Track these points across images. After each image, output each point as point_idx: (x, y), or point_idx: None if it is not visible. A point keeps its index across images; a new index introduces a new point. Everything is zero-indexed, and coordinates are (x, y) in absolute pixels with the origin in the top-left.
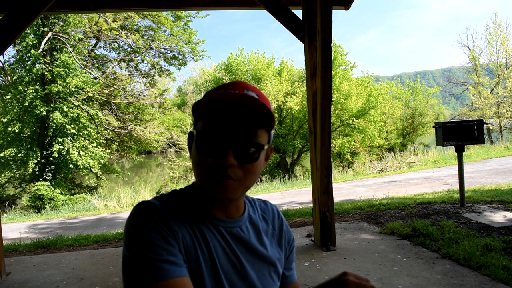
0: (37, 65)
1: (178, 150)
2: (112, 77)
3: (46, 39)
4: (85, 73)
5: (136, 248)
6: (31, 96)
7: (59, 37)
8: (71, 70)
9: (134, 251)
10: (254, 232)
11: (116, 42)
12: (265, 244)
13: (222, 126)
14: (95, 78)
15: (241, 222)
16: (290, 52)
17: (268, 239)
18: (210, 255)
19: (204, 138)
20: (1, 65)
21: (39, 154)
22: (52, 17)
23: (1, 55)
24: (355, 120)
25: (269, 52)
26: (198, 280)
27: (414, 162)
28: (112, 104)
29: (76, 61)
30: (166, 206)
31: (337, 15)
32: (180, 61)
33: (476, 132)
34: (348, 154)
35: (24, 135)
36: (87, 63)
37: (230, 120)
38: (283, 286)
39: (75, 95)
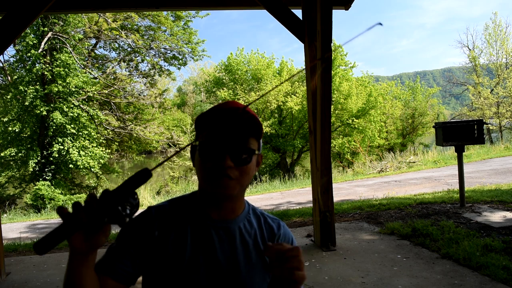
0: (37, 65)
1: (178, 150)
2: (112, 77)
3: (46, 39)
4: (85, 73)
5: (117, 238)
6: (31, 96)
7: (59, 37)
8: (71, 70)
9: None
10: (242, 238)
11: (116, 42)
12: (250, 252)
13: (220, 135)
14: (95, 78)
15: (231, 225)
16: (288, 53)
17: (259, 250)
18: (191, 250)
19: (206, 146)
20: (1, 65)
21: (39, 154)
22: (52, 17)
23: (1, 55)
24: (355, 120)
25: (267, 52)
26: (180, 267)
27: (414, 162)
28: (112, 104)
29: (76, 61)
30: (161, 215)
31: (336, 15)
32: (180, 61)
33: (476, 132)
34: (348, 154)
35: (24, 135)
36: (87, 63)
37: (226, 130)
38: None
39: (75, 95)
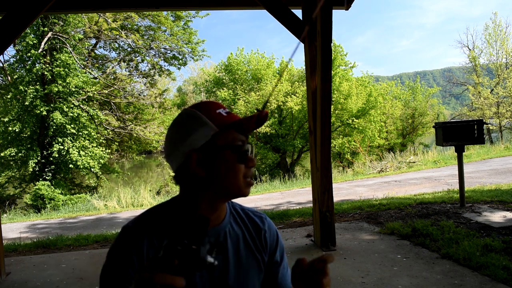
0: (37, 65)
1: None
2: (112, 77)
3: (46, 39)
4: (85, 73)
5: (107, 275)
6: (31, 96)
7: (59, 37)
8: (71, 70)
9: (104, 278)
10: (231, 241)
11: (116, 42)
12: (240, 254)
13: (245, 139)
14: (95, 78)
15: (219, 230)
16: (288, 53)
17: (249, 248)
18: None
19: (242, 150)
20: (1, 65)
21: (39, 154)
22: (52, 17)
23: (1, 55)
24: (355, 120)
25: (267, 52)
26: None
27: (414, 162)
28: (112, 104)
29: (76, 61)
30: (145, 230)
31: (336, 15)
32: (180, 61)
33: (476, 132)
34: (348, 154)
35: (24, 135)
36: (87, 63)
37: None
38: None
39: (75, 95)
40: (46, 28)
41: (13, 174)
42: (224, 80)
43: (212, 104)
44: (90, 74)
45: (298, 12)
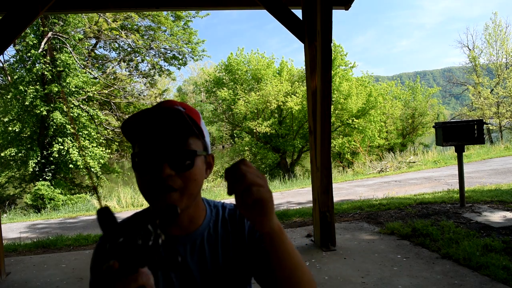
0: (37, 65)
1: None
2: (112, 77)
3: (46, 39)
4: (85, 73)
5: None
6: (31, 95)
7: (59, 37)
8: (71, 70)
9: None
10: (209, 245)
11: (116, 42)
12: (219, 256)
13: (153, 142)
14: (95, 78)
15: (195, 236)
16: (288, 53)
17: (226, 247)
18: (163, 279)
19: (140, 158)
20: (1, 65)
21: (39, 154)
22: (52, 17)
23: (1, 55)
24: (355, 120)
25: (267, 52)
26: None
27: (414, 162)
28: (112, 104)
29: (76, 61)
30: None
31: (336, 15)
32: (180, 61)
33: (476, 132)
34: (348, 154)
35: (24, 135)
36: (87, 63)
37: (159, 135)
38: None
39: (75, 95)
40: (46, 28)
41: (13, 174)
42: (224, 80)
43: (153, 106)
44: (90, 74)
45: (298, 12)
